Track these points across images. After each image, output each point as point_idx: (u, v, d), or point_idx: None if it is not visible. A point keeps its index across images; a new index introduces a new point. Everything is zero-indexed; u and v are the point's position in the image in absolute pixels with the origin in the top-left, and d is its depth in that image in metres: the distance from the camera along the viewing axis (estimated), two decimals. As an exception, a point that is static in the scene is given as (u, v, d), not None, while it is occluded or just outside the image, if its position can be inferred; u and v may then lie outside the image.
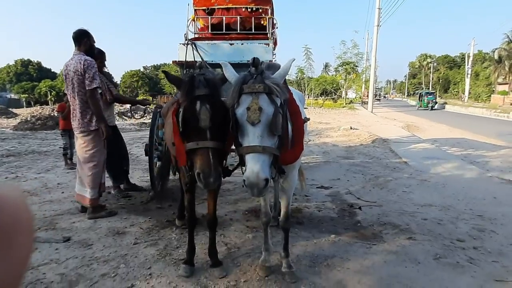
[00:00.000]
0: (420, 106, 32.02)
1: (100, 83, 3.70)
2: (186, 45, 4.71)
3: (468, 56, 49.15)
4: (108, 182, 4.96)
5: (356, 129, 13.10)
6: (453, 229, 3.49)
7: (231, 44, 4.78)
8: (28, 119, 15.15)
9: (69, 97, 3.81)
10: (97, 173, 3.83)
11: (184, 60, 4.64)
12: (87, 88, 3.62)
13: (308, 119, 2.51)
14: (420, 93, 34.38)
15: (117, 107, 19.42)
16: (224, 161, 2.49)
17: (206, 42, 4.90)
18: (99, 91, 3.77)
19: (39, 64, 59.36)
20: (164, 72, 2.24)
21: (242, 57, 4.72)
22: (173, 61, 4.99)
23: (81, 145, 3.80)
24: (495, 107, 27.51)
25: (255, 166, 1.80)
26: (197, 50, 4.72)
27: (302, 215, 3.90)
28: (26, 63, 58.27)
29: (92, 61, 3.66)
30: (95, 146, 3.76)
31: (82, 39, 3.73)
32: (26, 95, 49.09)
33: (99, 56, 4.48)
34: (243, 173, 1.98)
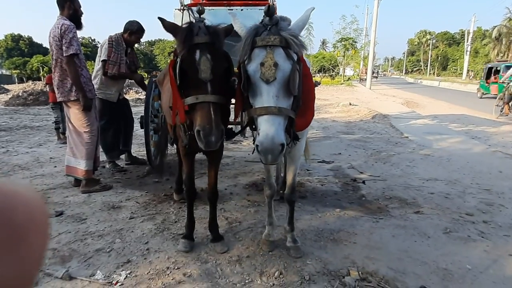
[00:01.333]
0: (491, 93, 15.70)
1: (78, 50, 3.41)
2: (182, 11, 4.41)
3: (468, 33, 48.45)
4: (102, 157, 4.79)
5: (355, 105, 12.90)
6: (461, 203, 3.38)
7: (230, 9, 4.49)
8: (20, 94, 14.74)
9: (52, 66, 3.56)
10: (92, 143, 3.64)
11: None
12: (64, 55, 3.35)
13: (319, 83, 2.31)
14: (493, 68, 16.64)
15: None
16: (228, 122, 2.29)
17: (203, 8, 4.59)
18: (82, 59, 3.51)
19: (30, 39, 57.60)
20: (160, 18, 1.99)
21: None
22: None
23: (71, 115, 3.59)
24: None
25: (270, 130, 1.61)
26: (194, 16, 4.42)
27: (305, 189, 3.76)
28: (16, 38, 56.58)
29: (71, 25, 3.37)
30: (86, 115, 3.55)
31: (65, 2, 3.44)
32: (18, 71, 47.99)
33: (138, 33, 4.28)
34: (253, 139, 1.81)
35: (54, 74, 3.50)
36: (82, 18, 3.62)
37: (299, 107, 1.83)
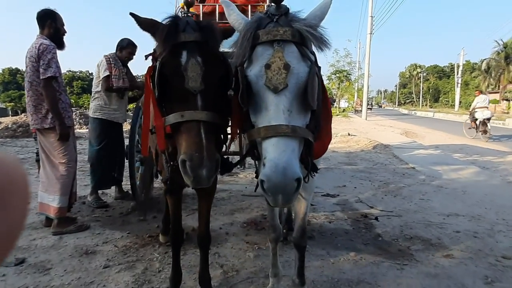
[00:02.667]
0: None
1: (57, 72, 3.04)
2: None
3: (458, 66, 49.69)
4: (82, 191, 4.31)
5: (354, 135, 12.60)
6: (493, 244, 2.91)
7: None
8: (9, 126, 14.32)
9: (25, 89, 3.18)
10: (68, 176, 3.18)
11: None
12: (41, 77, 2.97)
13: (335, 101, 1.90)
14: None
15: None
16: (224, 147, 1.82)
17: None
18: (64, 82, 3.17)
19: (27, 72, 58.13)
20: (132, 14, 1.59)
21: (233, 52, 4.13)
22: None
23: (45, 144, 3.16)
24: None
25: (280, 158, 1.16)
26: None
27: (311, 227, 3.28)
28: (14, 72, 56.92)
29: (50, 45, 3.02)
30: (62, 145, 3.11)
31: (46, 20, 3.11)
32: (13, 103, 47.83)
33: (129, 47, 4.03)
34: (256, 172, 1.37)
35: (27, 98, 3.11)
36: (64, 37, 3.29)
37: (319, 126, 1.41)
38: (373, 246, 2.89)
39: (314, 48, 1.38)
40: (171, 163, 1.60)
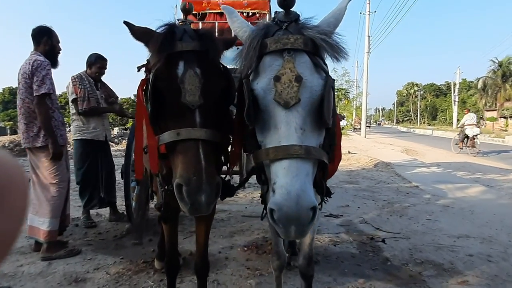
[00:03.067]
0: None
1: (51, 89, 2.94)
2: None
3: (454, 84, 50.18)
4: (75, 213, 4.14)
5: (354, 153, 12.49)
6: (509, 268, 2.75)
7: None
8: (6, 145, 14.16)
9: (17, 107, 3.07)
10: (59, 197, 3.03)
11: None
12: (34, 94, 2.86)
13: (344, 117, 1.77)
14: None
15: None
16: (226, 169, 1.65)
17: None
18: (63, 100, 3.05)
19: (27, 92, 58.38)
20: (126, 23, 1.47)
21: (236, 62, 4.06)
22: None
23: (37, 164, 3.02)
24: (489, 132, 27.48)
25: (293, 184, 1.02)
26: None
27: (316, 251, 3.10)
28: (14, 91, 56.84)
29: (45, 62, 2.93)
30: (54, 164, 2.98)
31: (42, 37, 3.03)
32: (11, 123, 47.84)
33: (98, 62, 3.91)
34: (263, 196, 1.23)
35: (19, 116, 2.99)
36: (59, 55, 3.20)
37: (334, 146, 1.28)
38: (382, 271, 2.72)
39: (327, 59, 1.26)
40: (166, 187, 1.45)
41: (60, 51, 3.23)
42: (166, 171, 1.41)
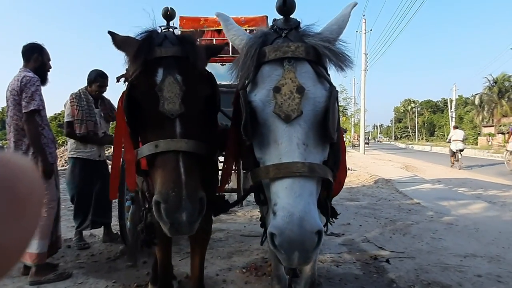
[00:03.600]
0: None
1: (40, 105, 2.86)
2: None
3: (451, 101, 50.57)
4: (68, 233, 4.00)
5: (354, 170, 12.40)
6: (521, 290, 2.62)
7: (222, 65, 4.12)
8: (2, 164, 14.03)
9: (6, 125, 2.99)
10: (48, 218, 2.91)
11: None
12: (23, 111, 2.78)
13: (346, 131, 1.69)
14: None
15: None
16: (215, 183, 1.55)
17: None
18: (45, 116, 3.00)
19: (26, 110, 58.37)
20: (110, 33, 1.36)
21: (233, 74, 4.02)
22: None
23: None
24: (487, 148, 27.48)
25: (296, 205, 0.93)
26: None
27: (318, 272, 2.97)
28: (12, 110, 57.37)
29: (34, 78, 2.86)
30: (44, 183, 2.87)
31: (32, 53, 2.97)
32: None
33: (98, 81, 3.78)
34: (263, 218, 1.14)
35: (9, 134, 2.91)
36: (49, 72, 3.14)
37: (338, 162, 1.19)
38: (387, 294, 2.59)
39: (331, 68, 1.20)
40: (147, 206, 1.35)
41: (51, 69, 3.16)
42: (147, 187, 1.31)
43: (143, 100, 1.22)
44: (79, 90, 3.78)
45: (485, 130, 43.69)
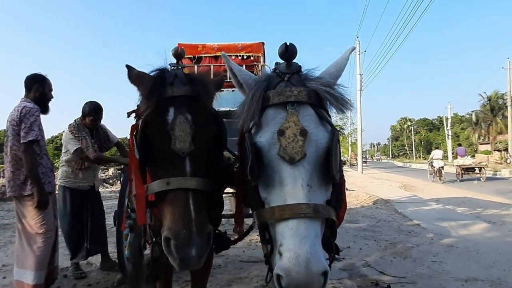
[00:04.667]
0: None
1: (39, 135, 2.88)
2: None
3: (446, 119, 51.11)
4: (65, 261, 3.94)
5: (352, 190, 12.39)
6: (524, 315, 2.60)
7: (220, 91, 4.18)
8: (-2, 188, 13.91)
9: (4, 154, 3.00)
10: (45, 248, 2.89)
11: None
12: (21, 141, 2.80)
13: (345, 163, 1.71)
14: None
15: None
16: (219, 218, 1.62)
17: None
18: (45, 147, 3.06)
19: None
20: (127, 66, 1.42)
21: (233, 105, 4.08)
22: None
23: (23, 213, 2.90)
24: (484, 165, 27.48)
25: (302, 247, 0.96)
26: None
27: (319, 300, 2.94)
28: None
29: (34, 108, 2.89)
30: (41, 213, 2.86)
31: (33, 84, 3.02)
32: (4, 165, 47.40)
33: (91, 115, 3.73)
34: (267, 256, 1.16)
35: (6, 164, 2.93)
36: (50, 102, 3.19)
37: (341, 201, 1.23)
38: (390, 322, 2.55)
39: (331, 110, 1.25)
40: (154, 239, 1.37)
41: (52, 98, 3.20)
42: (155, 221, 1.34)
43: (155, 137, 1.26)
44: (75, 120, 3.75)
45: (482, 148, 43.99)
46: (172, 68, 1.45)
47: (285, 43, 1.25)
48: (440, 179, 15.67)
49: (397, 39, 20.88)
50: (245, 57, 4.72)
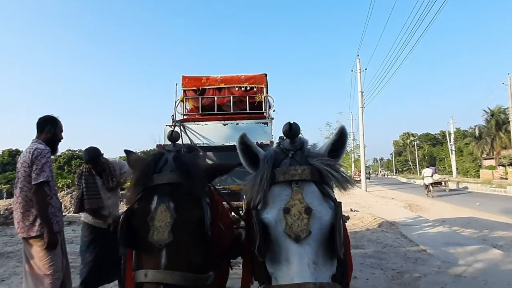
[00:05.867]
0: None
1: (50, 177, 2.94)
2: (173, 127, 4.15)
3: (449, 134, 51.06)
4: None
5: (356, 210, 12.28)
6: None
7: (224, 125, 4.25)
8: (1, 212, 13.89)
9: (14, 195, 3.05)
10: None
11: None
12: (32, 183, 2.85)
13: (348, 218, 1.71)
14: None
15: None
16: None
17: (196, 123, 4.36)
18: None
19: (27, 153, 58.46)
20: (126, 151, 1.49)
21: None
22: (157, 145, 4.32)
23: (31, 253, 2.92)
24: (489, 182, 27.28)
25: None
26: (185, 133, 4.14)
27: None
28: (14, 153, 57.42)
29: (45, 150, 2.96)
30: (49, 254, 2.88)
31: (46, 126, 3.10)
32: (8, 186, 47.37)
33: (91, 163, 3.76)
34: None
35: (16, 205, 2.96)
36: (60, 143, 3.25)
37: (346, 274, 1.25)
38: None
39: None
40: None
41: (62, 139, 3.28)
42: None
43: (137, 227, 1.26)
44: (82, 167, 3.82)
45: (486, 163, 43.64)
46: (167, 151, 1.45)
47: (289, 123, 1.32)
48: (428, 194, 18.48)
49: (398, 57, 21.07)
50: (248, 88, 4.80)
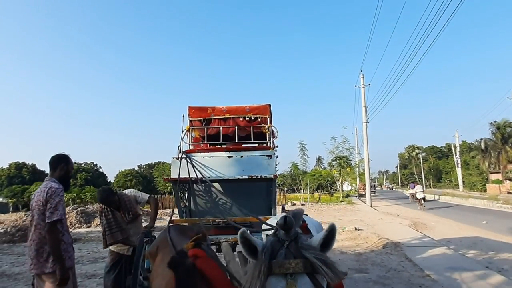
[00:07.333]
0: None
1: (62, 215, 3.11)
2: (180, 159, 4.27)
3: (455, 147, 50.89)
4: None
5: (361, 229, 12.27)
6: None
7: (229, 157, 4.36)
8: (8, 230, 14.02)
9: (28, 232, 3.19)
10: None
11: (177, 177, 4.14)
12: (46, 221, 3.00)
13: (346, 274, 1.80)
14: None
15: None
16: None
17: (202, 154, 4.49)
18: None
19: (33, 166, 58.92)
20: None
21: (242, 171, 4.24)
22: (164, 179, 4.53)
23: None
24: (495, 197, 26.99)
25: None
26: (192, 164, 4.27)
27: None
28: (20, 166, 58.12)
29: (59, 188, 3.13)
30: None
31: (59, 164, 3.27)
32: (15, 199, 47.73)
33: (104, 203, 4.23)
34: None
35: (30, 242, 3.08)
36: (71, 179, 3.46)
37: None
38: None
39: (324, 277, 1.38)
40: None
41: (72, 175, 3.51)
42: None
43: None
44: (102, 205, 4.28)
45: (492, 176, 43.30)
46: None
47: (285, 217, 1.43)
48: (419, 207, 21.84)
49: (403, 72, 21.31)
50: (252, 118, 4.92)
